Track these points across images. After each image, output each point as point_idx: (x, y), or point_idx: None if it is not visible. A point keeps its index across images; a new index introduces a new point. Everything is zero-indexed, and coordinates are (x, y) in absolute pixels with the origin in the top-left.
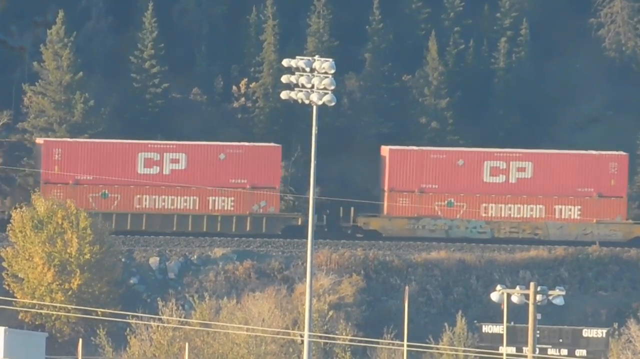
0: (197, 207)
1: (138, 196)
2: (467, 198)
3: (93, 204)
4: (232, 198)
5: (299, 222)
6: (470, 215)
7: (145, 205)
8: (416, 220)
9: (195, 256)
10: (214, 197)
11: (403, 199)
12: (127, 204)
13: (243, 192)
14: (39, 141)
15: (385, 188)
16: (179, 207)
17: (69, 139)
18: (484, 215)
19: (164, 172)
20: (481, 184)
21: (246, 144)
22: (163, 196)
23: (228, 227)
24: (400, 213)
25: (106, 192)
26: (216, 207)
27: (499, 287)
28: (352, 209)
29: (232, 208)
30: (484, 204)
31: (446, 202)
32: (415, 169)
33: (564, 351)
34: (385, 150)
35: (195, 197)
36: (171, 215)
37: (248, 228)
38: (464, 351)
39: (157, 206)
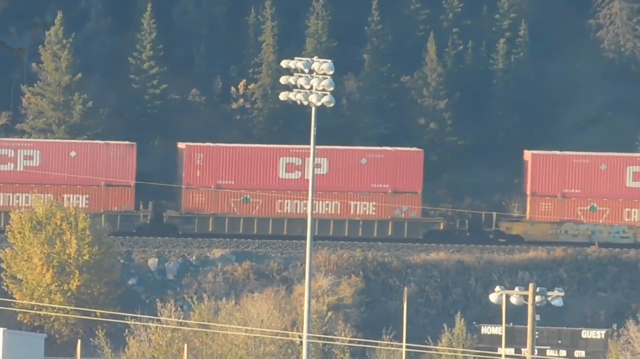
0: (338, 212)
1: (280, 201)
2: (610, 203)
3: (235, 208)
4: (374, 203)
5: (441, 227)
6: (613, 220)
7: (287, 210)
8: (559, 225)
9: (193, 257)
10: (355, 202)
11: (545, 204)
12: (269, 208)
13: (385, 196)
14: (181, 145)
15: (528, 192)
16: (320, 212)
17: (210, 144)
18: (626, 220)
19: (305, 177)
20: (624, 189)
21: (388, 148)
22: (305, 201)
23: (369, 232)
24: (542, 218)
25: (248, 197)
26: (358, 212)
27: (497, 288)
28: (494, 214)
29: (373, 213)
30: (626, 209)
31: (589, 207)
32: (557, 173)
33: (563, 352)
34: (527, 155)
35: (336, 202)
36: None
37: (390, 233)
38: (462, 352)
39: (298, 211)
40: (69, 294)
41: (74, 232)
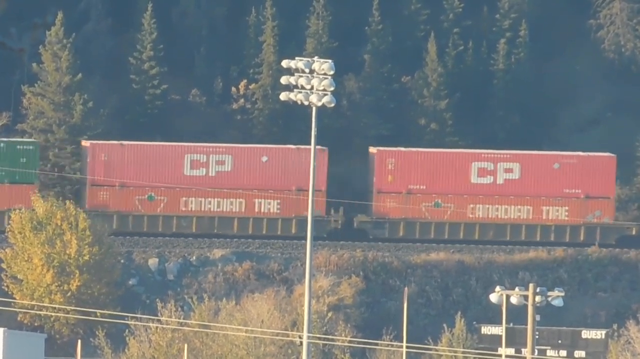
0: (530, 217)
1: (471, 206)
2: None
3: (426, 213)
4: (566, 208)
5: (634, 232)
6: None
7: (479, 214)
8: None
9: (194, 258)
10: (547, 207)
11: None
12: (461, 213)
13: (577, 201)
14: (372, 150)
15: None
16: (512, 216)
17: (402, 149)
18: None
19: (497, 182)
20: None
21: (581, 153)
22: (497, 206)
23: (562, 237)
24: None
25: (439, 201)
26: (549, 217)
27: (498, 288)
28: None
29: (566, 218)
30: None
31: None
32: None
33: (563, 353)
34: None
35: (529, 207)
36: (504, 225)
37: (582, 238)
38: (463, 352)
39: (490, 215)
40: (69, 294)
41: (74, 233)
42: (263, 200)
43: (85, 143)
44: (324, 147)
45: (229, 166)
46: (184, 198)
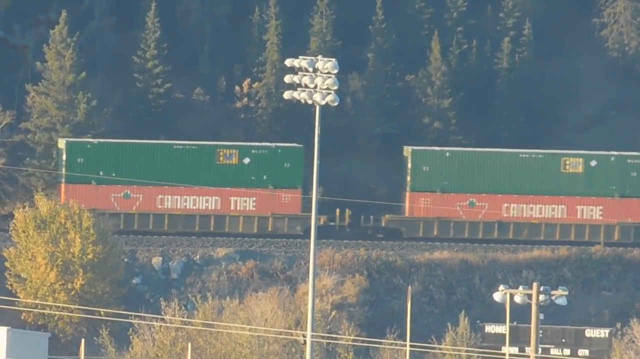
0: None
1: None
2: None
3: None
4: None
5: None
6: None
7: None
8: None
9: (198, 256)
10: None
11: None
12: None
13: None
14: None
15: None
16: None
17: None
18: None
19: None
20: None
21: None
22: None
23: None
24: None
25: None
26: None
27: (502, 287)
28: None
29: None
30: None
31: None
32: None
33: (567, 351)
34: None
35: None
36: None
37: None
38: (466, 351)
39: None
40: (72, 293)
41: (78, 231)
42: None
43: None
44: None
45: None
46: None
